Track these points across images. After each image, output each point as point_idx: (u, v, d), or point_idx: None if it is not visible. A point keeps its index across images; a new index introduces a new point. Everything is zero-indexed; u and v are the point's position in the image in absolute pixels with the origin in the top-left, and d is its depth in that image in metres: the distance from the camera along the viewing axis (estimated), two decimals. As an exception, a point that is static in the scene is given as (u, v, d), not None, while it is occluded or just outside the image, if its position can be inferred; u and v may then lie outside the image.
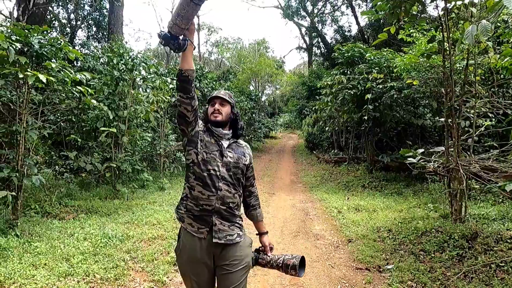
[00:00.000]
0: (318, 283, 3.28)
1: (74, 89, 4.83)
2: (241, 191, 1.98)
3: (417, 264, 3.45)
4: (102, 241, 3.97)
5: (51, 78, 4.05)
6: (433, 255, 3.63)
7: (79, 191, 6.49)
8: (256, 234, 2.22)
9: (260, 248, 2.16)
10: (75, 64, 10.83)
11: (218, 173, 1.84)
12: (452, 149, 4.45)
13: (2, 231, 4.04)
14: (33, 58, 4.45)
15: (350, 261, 3.76)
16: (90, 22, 18.15)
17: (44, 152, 7.35)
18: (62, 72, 4.46)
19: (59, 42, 4.49)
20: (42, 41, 4.34)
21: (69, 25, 18.12)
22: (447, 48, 4.34)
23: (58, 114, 7.31)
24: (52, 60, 4.48)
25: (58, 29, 17.28)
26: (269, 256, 2.11)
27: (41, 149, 7.27)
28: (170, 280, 3.33)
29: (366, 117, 7.97)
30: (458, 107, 4.33)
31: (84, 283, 3.07)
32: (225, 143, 1.94)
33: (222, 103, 1.96)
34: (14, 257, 3.44)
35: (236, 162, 1.92)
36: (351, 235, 4.56)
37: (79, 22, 18.19)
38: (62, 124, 7.39)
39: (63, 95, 5.47)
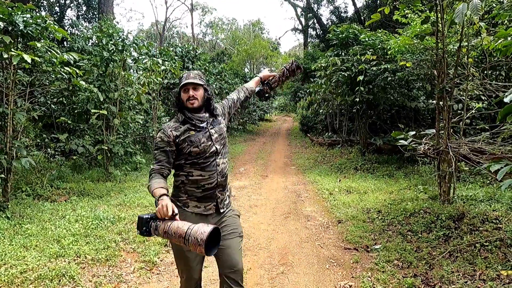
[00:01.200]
0: (307, 262, 3.34)
1: (63, 70, 4.73)
2: (227, 153, 2.08)
3: (404, 244, 3.52)
4: (94, 223, 3.99)
5: (36, 58, 3.96)
6: (420, 235, 3.70)
7: (71, 174, 6.48)
8: (264, 83, 2.42)
9: (267, 81, 2.42)
10: (64, 45, 10.59)
11: (213, 152, 1.94)
12: (442, 132, 4.47)
13: (-7, 213, 4.04)
14: (19, 38, 4.33)
15: (339, 241, 3.82)
16: (79, 1, 17.65)
17: (35, 134, 7.27)
18: (49, 53, 4.36)
19: (44, 21, 4.36)
20: (27, 20, 4.21)
21: (57, 4, 17.61)
22: (441, 30, 4.30)
23: (48, 96, 7.20)
24: (40, 40, 4.37)
25: (47, 8, 16.80)
26: (275, 78, 2.41)
27: (32, 131, 7.19)
28: (161, 260, 3.37)
29: (358, 99, 7.94)
30: (450, 89, 4.32)
31: (75, 263, 3.09)
32: (206, 124, 1.98)
33: (194, 87, 1.94)
34: (5, 239, 3.45)
35: (220, 134, 2.01)
36: (341, 216, 4.62)
37: (68, 1, 17.68)
38: (53, 106, 7.29)
39: (52, 76, 5.37)
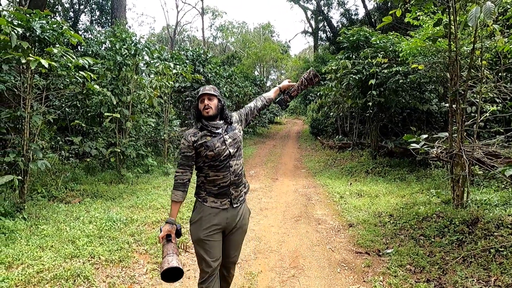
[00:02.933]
0: (318, 266, 3.34)
1: (77, 74, 4.84)
2: (242, 156, 2.31)
3: (416, 248, 3.49)
4: (107, 224, 4.06)
5: (53, 63, 4.06)
6: (433, 239, 3.66)
7: (84, 176, 6.59)
8: (284, 92, 2.63)
9: (287, 91, 2.63)
10: (78, 49, 10.81)
11: (227, 155, 2.17)
12: (455, 135, 4.41)
13: (10, 214, 4.14)
14: (36, 43, 4.45)
15: (350, 245, 3.80)
16: (93, 6, 18.00)
17: (50, 137, 7.44)
18: (64, 57, 4.47)
19: (60, 26, 4.48)
20: (44, 25, 4.32)
21: (72, 10, 17.99)
22: (454, 32, 4.25)
23: (63, 100, 7.36)
24: (55, 45, 4.48)
25: (61, 14, 17.17)
26: (294, 87, 2.60)
27: (47, 134, 7.36)
28: (173, 262, 3.41)
29: (370, 103, 7.89)
30: (463, 92, 4.27)
31: (90, 264, 3.15)
32: (221, 131, 2.21)
33: (209, 98, 2.21)
34: (22, 239, 3.54)
35: (234, 139, 2.23)
36: (352, 220, 4.59)
37: (82, 7, 18.05)
38: (67, 109, 7.45)
39: (67, 80, 5.49)
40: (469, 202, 4.24)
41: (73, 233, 3.76)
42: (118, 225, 4.12)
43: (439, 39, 5.54)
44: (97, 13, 18.42)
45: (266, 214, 5.05)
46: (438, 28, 5.14)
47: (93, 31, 11.17)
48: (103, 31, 10.61)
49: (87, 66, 4.64)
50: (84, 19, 19.04)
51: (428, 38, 4.76)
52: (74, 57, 4.36)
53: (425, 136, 4.34)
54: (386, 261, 3.33)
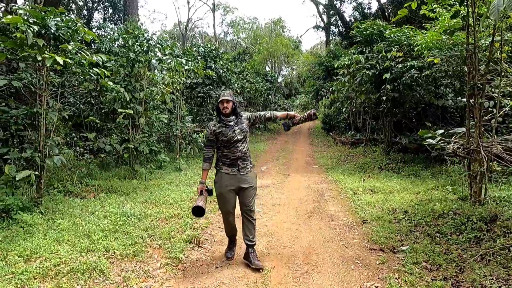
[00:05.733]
0: (331, 262, 3.31)
1: (91, 71, 4.90)
2: (247, 142, 3.34)
3: (432, 245, 3.42)
4: (121, 219, 4.11)
5: (68, 60, 4.11)
6: (449, 237, 3.58)
7: (99, 171, 6.69)
8: (288, 119, 3.49)
9: (290, 118, 3.46)
10: (92, 47, 10.95)
11: (236, 140, 3.22)
12: (473, 130, 4.31)
13: (28, 208, 4.23)
14: (51, 41, 4.52)
15: (364, 241, 3.76)
16: (106, 4, 18.18)
17: (65, 133, 7.57)
18: (79, 55, 4.52)
19: (75, 23, 4.53)
20: (58, 23, 4.38)
21: (85, 8, 18.22)
22: (472, 24, 4.13)
23: (78, 97, 7.47)
24: (70, 43, 4.54)
25: (75, 11, 17.40)
26: (296, 118, 3.42)
27: (62, 130, 7.49)
28: (186, 257, 3.43)
29: (384, 98, 7.75)
30: (481, 86, 4.15)
31: (105, 258, 3.20)
32: (232, 123, 3.25)
33: (227, 101, 3.23)
34: (39, 233, 3.61)
35: (241, 129, 3.26)
36: (366, 216, 4.54)
37: (95, 4, 18.24)
38: (81, 106, 7.57)
39: (81, 77, 5.56)
40: (487, 199, 4.14)
41: (89, 228, 3.82)
42: (132, 220, 4.17)
43: (456, 32, 5.41)
44: (110, 11, 18.61)
45: (279, 210, 5.04)
46: (455, 20, 5.00)
47: (106, 28, 11.27)
48: (116, 28, 10.70)
49: (100, 63, 4.68)
50: (97, 16, 19.25)
51: (445, 31, 4.63)
52: (88, 54, 4.40)
53: (441, 131, 4.24)
54: (401, 258, 3.28)
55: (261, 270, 3.16)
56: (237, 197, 3.30)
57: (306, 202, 5.46)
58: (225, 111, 3.21)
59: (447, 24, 5.54)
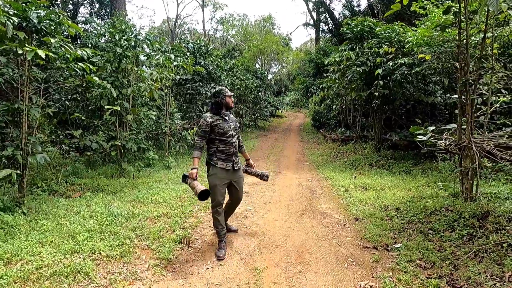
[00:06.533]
0: (325, 261, 3.25)
1: (76, 66, 4.72)
2: (238, 137, 3.66)
3: (426, 243, 3.39)
4: (108, 219, 3.97)
5: (51, 54, 3.94)
6: (442, 234, 3.56)
7: (85, 170, 6.50)
8: (245, 160, 3.96)
9: (247, 164, 3.93)
10: (77, 42, 10.66)
11: (231, 134, 3.46)
12: (465, 126, 4.29)
13: (9, 209, 4.06)
14: (33, 34, 4.32)
15: (357, 239, 3.71)
16: (92, -2, 17.76)
17: (50, 131, 7.34)
18: (63, 49, 4.34)
19: (58, 16, 4.34)
20: (41, 15, 4.19)
21: (71, 2, 17.76)
22: (464, 20, 4.11)
23: (63, 93, 7.25)
24: (53, 36, 4.35)
25: (60, 6, 16.95)
26: (252, 169, 3.89)
27: (47, 127, 7.26)
28: (176, 258, 3.32)
29: (376, 93, 7.69)
30: (473, 83, 4.14)
31: (90, 260, 3.07)
32: (227, 118, 3.52)
33: (233, 97, 3.39)
34: (21, 235, 3.46)
35: (235, 125, 3.58)
36: (358, 213, 4.50)
37: (81, -1, 17.81)
38: (67, 103, 7.35)
39: (66, 73, 5.36)
40: (478, 195, 4.14)
41: (74, 228, 3.68)
42: (119, 219, 4.03)
43: (448, 29, 5.40)
44: (97, 6, 18.21)
45: (270, 208, 4.96)
46: (446, 16, 4.98)
47: (93, 23, 10.98)
48: (103, 24, 10.44)
49: (85, 58, 4.51)
50: (83, 11, 18.81)
51: (437, 26, 4.60)
52: (72, 48, 4.23)
53: (432, 128, 4.22)
54: (395, 256, 3.24)
55: (238, 231, 3.95)
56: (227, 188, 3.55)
57: (298, 199, 5.40)
58: (232, 106, 3.55)
59: (437, 21, 5.53)
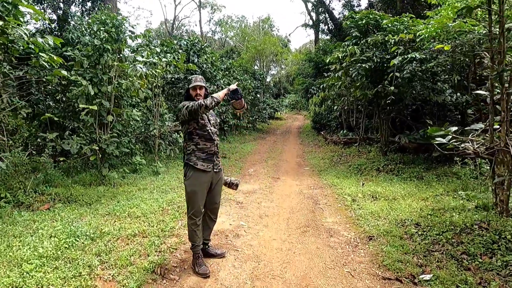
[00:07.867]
0: (335, 297, 2.55)
1: (42, 58, 4.04)
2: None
3: (461, 273, 2.69)
4: (68, 241, 3.26)
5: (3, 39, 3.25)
6: (480, 260, 2.86)
7: (61, 177, 5.78)
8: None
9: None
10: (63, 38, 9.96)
11: (211, 131, 3.02)
12: (497, 126, 3.62)
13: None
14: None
15: (374, 267, 3.00)
16: (83, -4, 17.10)
17: (30, 134, 6.65)
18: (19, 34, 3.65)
19: (14, -3, 3.66)
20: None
21: (61, 0, 17.09)
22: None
23: (41, 93, 6.56)
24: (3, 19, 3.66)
25: (50, 4, 16.29)
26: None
27: (24, 130, 6.57)
28: (145, 293, 2.62)
29: (392, 88, 6.84)
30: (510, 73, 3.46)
31: (31, 300, 2.36)
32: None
33: (200, 88, 3.02)
34: (-47, 263, 2.75)
35: (215, 121, 3.14)
36: (371, 230, 3.79)
37: (71, -3, 17.14)
38: (52, 103, 6.67)
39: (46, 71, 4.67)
40: (517, 209, 3.44)
41: (23, 253, 2.98)
42: (82, 241, 3.32)
43: (466, 18, 4.76)
44: (89, 4, 17.55)
45: (267, 222, 4.26)
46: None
47: (74, 16, 10.28)
48: (87, 18, 9.77)
49: (47, 46, 3.82)
50: (74, 10, 18.09)
51: (462, 9, 3.91)
52: (26, 32, 3.53)
53: (454, 128, 3.55)
54: (425, 292, 2.54)
55: (225, 255, 3.24)
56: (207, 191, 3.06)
57: (299, 211, 4.69)
58: (198, 98, 2.98)
59: (450, 11, 4.88)
